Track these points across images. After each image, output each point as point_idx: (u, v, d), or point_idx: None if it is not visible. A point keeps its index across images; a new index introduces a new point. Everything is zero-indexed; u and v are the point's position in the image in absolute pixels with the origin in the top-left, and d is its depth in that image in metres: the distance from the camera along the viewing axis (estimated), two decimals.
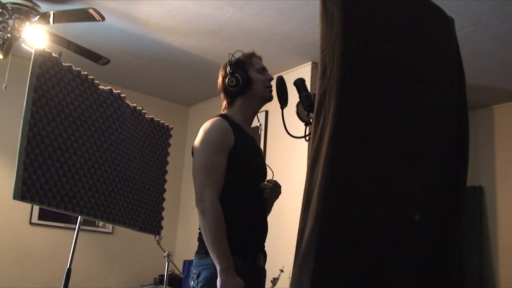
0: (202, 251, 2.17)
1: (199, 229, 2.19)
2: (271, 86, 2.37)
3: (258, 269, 2.25)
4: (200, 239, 2.19)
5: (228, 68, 2.32)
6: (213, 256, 2.06)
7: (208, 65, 5.06)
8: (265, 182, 2.34)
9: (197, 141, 2.22)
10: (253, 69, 2.35)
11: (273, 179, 2.37)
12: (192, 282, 2.17)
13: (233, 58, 2.37)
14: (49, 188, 2.88)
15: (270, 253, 2.35)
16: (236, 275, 2.04)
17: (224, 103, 2.39)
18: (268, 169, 2.42)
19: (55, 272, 4.80)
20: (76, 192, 3.06)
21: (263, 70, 2.39)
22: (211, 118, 2.29)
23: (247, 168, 2.26)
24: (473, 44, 4.24)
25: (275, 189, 2.33)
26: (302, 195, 1.58)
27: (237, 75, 2.30)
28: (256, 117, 2.44)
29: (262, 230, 2.33)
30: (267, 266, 2.34)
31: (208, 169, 2.14)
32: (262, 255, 2.27)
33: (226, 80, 2.32)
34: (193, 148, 2.26)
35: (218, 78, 2.40)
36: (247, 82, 2.31)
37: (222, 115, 2.31)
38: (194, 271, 2.17)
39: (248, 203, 2.25)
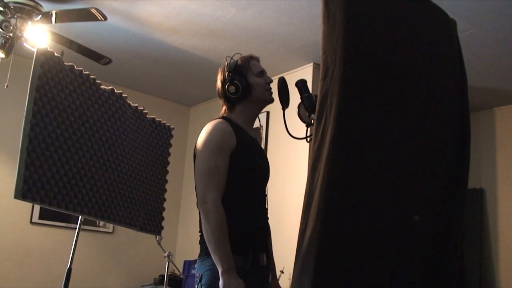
0: (203, 253, 2.18)
1: (200, 231, 2.19)
2: (270, 89, 2.36)
3: (261, 268, 2.24)
4: (201, 241, 2.19)
5: (227, 74, 2.31)
6: (215, 257, 2.06)
7: (209, 66, 5.04)
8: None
9: (199, 143, 2.22)
10: (251, 74, 2.33)
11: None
12: (196, 285, 2.17)
13: (231, 61, 2.34)
14: (50, 187, 2.88)
15: None
16: (237, 277, 2.03)
17: (224, 107, 2.39)
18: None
19: (56, 272, 4.80)
20: (77, 191, 3.06)
21: (261, 73, 2.37)
22: (213, 120, 2.29)
23: (248, 169, 2.26)
24: (475, 46, 4.24)
25: None
26: (303, 196, 1.58)
27: (236, 82, 2.28)
28: (257, 119, 2.43)
29: (263, 229, 2.33)
30: None
31: (211, 171, 2.14)
32: (264, 254, 2.26)
33: (226, 87, 2.30)
34: (195, 149, 2.26)
35: (216, 81, 2.38)
36: (247, 88, 2.30)
37: (224, 117, 2.31)
38: (197, 274, 2.18)
39: (249, 203, 2.26)
